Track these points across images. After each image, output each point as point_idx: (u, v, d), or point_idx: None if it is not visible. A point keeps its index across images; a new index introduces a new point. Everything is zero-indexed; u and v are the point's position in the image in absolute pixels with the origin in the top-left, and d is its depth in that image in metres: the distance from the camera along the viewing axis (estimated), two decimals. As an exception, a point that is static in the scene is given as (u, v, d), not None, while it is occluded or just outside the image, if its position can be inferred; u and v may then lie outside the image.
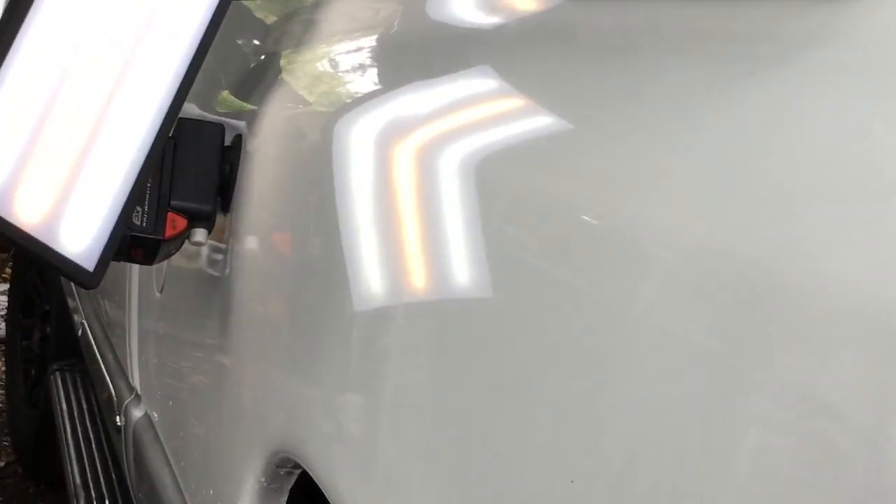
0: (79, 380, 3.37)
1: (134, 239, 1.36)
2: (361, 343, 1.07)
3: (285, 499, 1.26)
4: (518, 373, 0.80)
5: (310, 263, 1.24)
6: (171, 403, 1.87)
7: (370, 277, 1.06)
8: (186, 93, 1.35)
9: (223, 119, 1.45)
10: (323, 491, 1.04)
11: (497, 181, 0.87)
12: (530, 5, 1.04)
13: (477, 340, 0.85)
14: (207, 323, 1.54)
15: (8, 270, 5.33)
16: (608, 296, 0.70)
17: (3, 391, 4.69)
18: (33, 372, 4.16)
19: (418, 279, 0.96)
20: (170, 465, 1.86)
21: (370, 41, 1.34)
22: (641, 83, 0.79)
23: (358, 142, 1.14)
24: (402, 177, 1.02)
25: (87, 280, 1.32)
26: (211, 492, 1.47)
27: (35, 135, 1.29)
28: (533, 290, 0.79)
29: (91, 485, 2.72)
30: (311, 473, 1.07)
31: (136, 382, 2.23)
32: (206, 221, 1.41)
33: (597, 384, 0.71)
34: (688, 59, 0.77)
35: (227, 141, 1.44)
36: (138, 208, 1.37)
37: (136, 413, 2.21)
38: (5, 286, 5.50)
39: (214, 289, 1.49)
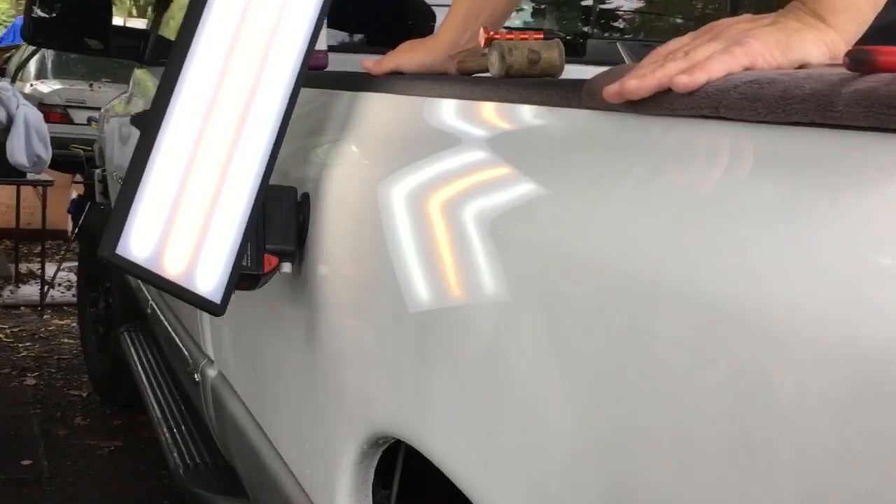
0: (144, 338, 3.34)
1: (242, 275, 1.37)
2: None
3: (376, 460, 1.28)
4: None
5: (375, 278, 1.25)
6: (250, 370, 1.87)
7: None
8: (273, 165, 1.36)
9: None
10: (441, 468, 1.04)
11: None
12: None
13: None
14: (286, 321, 1.55)
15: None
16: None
17: (78, 342, 4.65)
18: (100, 330, 4.12)
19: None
20: (251, 415, 1.85)
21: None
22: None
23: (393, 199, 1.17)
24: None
25: (217, 310, 1.35)
26: (308, 447, 1.48)
27: (175, 204, 1.30)
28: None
29: (169, 417, 2.71)
30: (424, 453, 1.07)
31: (209, 350, 2.22)
32: (291, 257, 1.43)
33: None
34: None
35: (299, 198, 1.45)
36: (246, 253, 1.37)
37: (211, 372, 2.21)
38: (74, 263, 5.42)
39: (291, 298, 1.50)
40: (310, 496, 1.51)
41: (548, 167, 0.93)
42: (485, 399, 0.97)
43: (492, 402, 0.96)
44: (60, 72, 10.80)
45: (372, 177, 1.32)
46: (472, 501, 0.98)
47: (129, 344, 3.38)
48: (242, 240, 1.36)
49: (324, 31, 1.93)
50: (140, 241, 1.27)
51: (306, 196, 1.47)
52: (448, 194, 1.11)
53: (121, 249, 1.25)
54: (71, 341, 4.92)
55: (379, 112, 1.40)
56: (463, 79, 1.19)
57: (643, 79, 0.83)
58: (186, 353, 2.47)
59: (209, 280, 1.34)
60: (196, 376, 2.32)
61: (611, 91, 0.85)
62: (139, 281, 2.94)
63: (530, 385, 0.88)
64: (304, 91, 1.41)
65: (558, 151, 0.93)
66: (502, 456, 0.94)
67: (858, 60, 0.66)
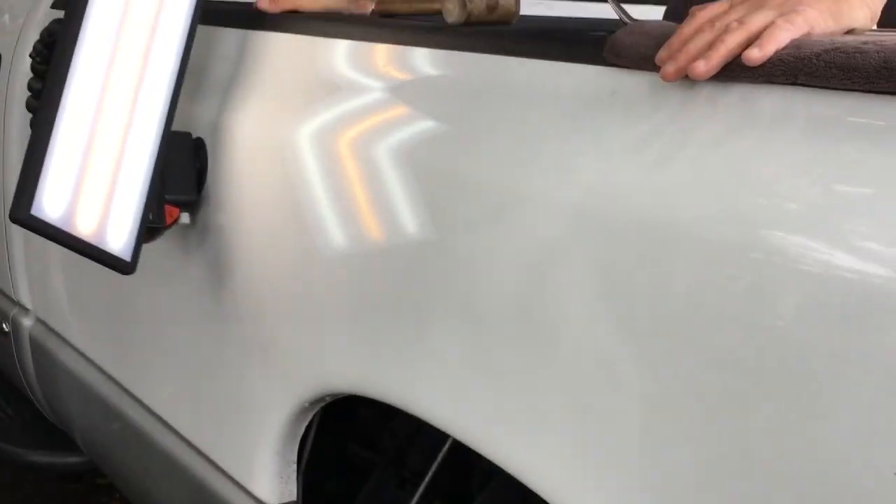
0: None
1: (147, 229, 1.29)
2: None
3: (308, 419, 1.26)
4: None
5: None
6: (105, 324, 1.76)
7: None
8: (174, 113, 1.28)
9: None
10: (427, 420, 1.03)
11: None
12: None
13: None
14: (176, 276, 1.47)
15: None
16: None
17: None
18: None
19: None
20: (102, 371, 1.75)
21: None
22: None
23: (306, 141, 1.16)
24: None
25: (127, 269, 1.26)
26: (207, 407, 1.42)
27: (83, 162, 1.20)
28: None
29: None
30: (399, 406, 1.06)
31: (23, 298, 2.07)
32: (191, 207, 1.36)
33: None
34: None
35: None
36: (149, 206, 1.29)
37: (27, 322, 2.06)
38: None
39: (182, 251, 1.43)
40: (210, 457, 1.45)
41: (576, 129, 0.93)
42: (451, 340, 0.98)
43: (458, 341, 0.98)
44: None
45: (283, 119, 1.27)
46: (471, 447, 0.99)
47: None
48: (149, 192, 1.27)
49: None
50: (52, 201, 1.17)
51: (201, 141, 1.38)
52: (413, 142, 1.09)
53: (35, 210, 1.14)
54: None
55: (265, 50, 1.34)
56: (433, 26, 1.14)
57: (709, 59, 0.81)
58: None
59: (119, 238, 1.25)
60: (4, 326, 2.16)
61: (669, 72, 0.83)
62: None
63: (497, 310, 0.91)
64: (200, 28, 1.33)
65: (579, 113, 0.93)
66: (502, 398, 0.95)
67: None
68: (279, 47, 1.36)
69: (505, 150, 0.96)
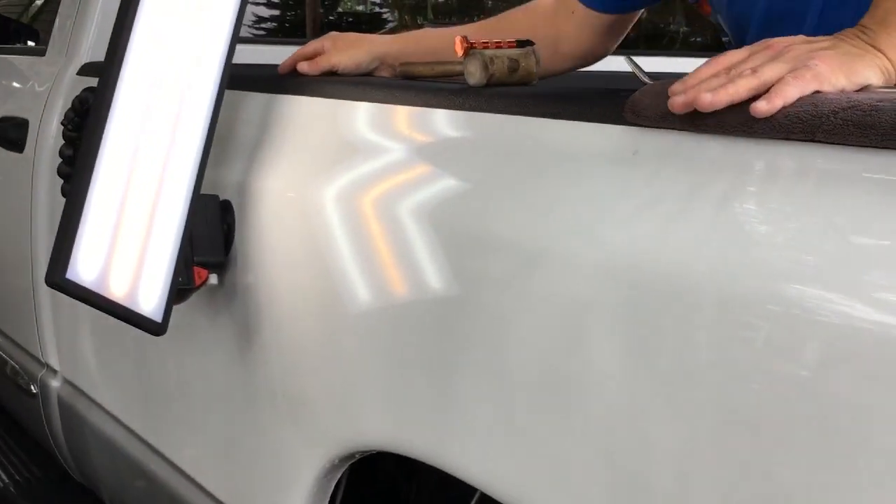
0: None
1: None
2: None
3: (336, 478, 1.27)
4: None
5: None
6: (131, 383, 1.78)
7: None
8: (202, 176, 1.31)
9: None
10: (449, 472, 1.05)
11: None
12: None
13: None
14: (204, 335, 1.50)
15: None
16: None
17: None
18: None
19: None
20: (130, 431, 1.78)
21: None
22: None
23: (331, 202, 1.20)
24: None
25: (159, 329, 1.29)
26: (238, 465, 1.44)
27: (116, 226, 1.23)
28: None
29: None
30: (436, 464, 1.08)
31: (51, 359, 2.10)
32: (220, 268, 1.39)
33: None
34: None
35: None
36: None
37: (55, 383, 2.09)
38: None
39: (211, 310, 1.45)
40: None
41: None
42: (479, 396, 1.00)
43: (486, 397, 0.99)
44: None
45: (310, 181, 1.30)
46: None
47: None
48: (179, 254, 1.30)
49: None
50: (86, 265, 1.20)
51: (228, 203, 1.41)
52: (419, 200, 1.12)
53: (70, 274, 1.17)
54: None
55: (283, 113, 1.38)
56: (458, 87, 1.18)
57: (716, 93, 0.85)
58: (13, 363, 2.31)
59: (150, 299, 1.27)
60: (33, 388, 2.18)
61: (678, 102, 0.87)
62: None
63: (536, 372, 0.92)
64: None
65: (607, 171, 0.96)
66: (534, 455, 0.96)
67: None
68: (302, 110, 1.39)
69: (528, 210, 0.99)
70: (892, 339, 0.69)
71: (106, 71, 1.25)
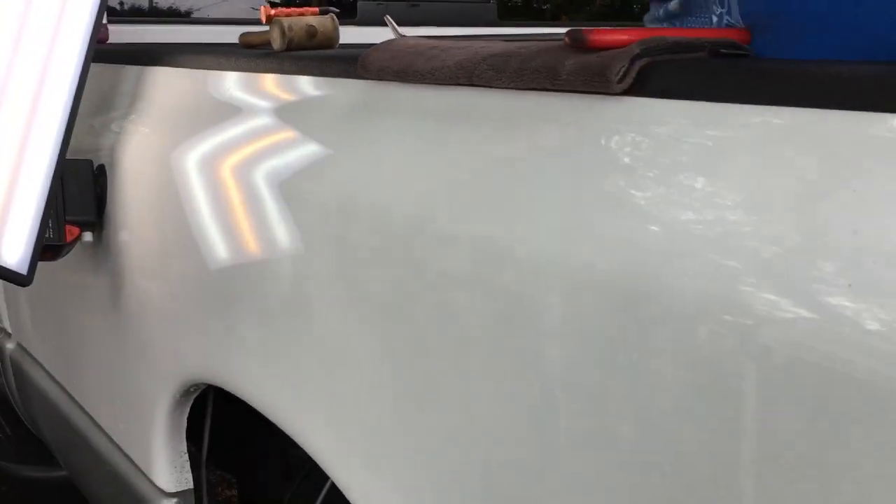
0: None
1: (46, 246, 1.44)
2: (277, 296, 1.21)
3: (188, 407, 1.39)
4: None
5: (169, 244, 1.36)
6: (54, 339, 1.93)
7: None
8: (69, 138, 1.44)
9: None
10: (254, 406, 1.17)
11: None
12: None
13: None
14: (89, 288, 1.63)
15: None
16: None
17: None
18: None
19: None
20: (57, 383, 1.92)
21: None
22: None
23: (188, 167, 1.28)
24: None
25: (24, 281, 1.41)
26: (119, 403, 1.58)
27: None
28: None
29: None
30: (236, 393, 1.19)
31: (6, 324, 2.26)
32: (91, 227, 1.51)
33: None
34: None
35: (95, 170, 1.53)
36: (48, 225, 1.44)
37: (10, 346, 2.25)
38: None
39: (93, 266, 1.58)
40: (125, 450, 1.61)
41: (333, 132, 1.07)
42: (286, 340, 1.11)
43: (292, 342, 1.10)
44: None
45: (163, 146, 1.43)
46: (284, 431, 1.12)
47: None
48: (44, 212, 1.43)
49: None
50: (-55, 220, 1.34)
51: (102, 168, 1.55)
52: (236, 160, 1.23)
53: (-74, 230, 1.32)
54: None
55: (166, 85, 1.50)
56: (247, 52, 1.30)
57: None
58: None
59: (14, 253, 1.41)
60: (-8, 350, 2.35)
61: None
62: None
63: (324, 322, 1.03)
64: (92, 66, 1.49)
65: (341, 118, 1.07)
66: (306, 388, 1.08)
67: (576, 39, 0.82)
68: (160, 81, 1.52)
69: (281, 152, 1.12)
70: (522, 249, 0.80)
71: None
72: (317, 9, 1.27)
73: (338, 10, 1.29)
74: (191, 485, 1.50)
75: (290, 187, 1.08)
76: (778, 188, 0.65)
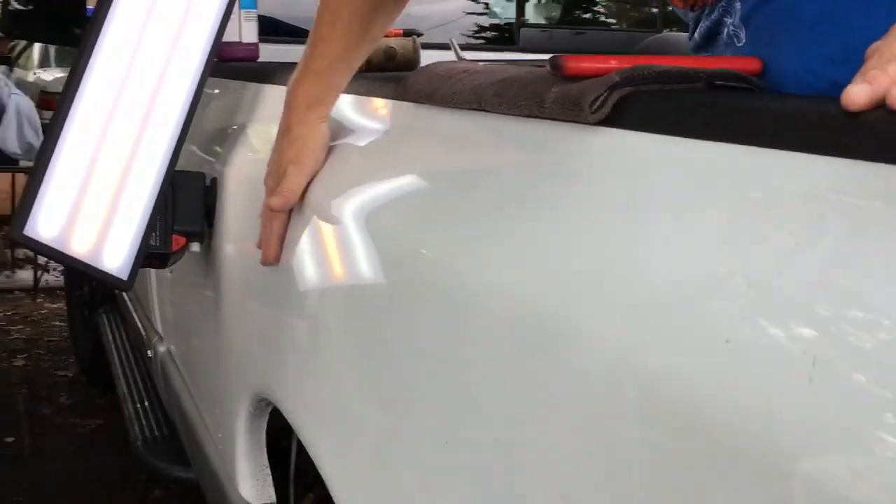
0: (117, 319, 3.49)
1: (151, 253, 1.49)
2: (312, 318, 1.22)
3: (265, 422, 1.41)
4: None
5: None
6: (184, 344, 2.00)
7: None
8: (179, 151, 1.49)
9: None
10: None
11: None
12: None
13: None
14: (203, 295, 1.68)
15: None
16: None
17: (64, 324, 4.80)
18: (85, 312, 4.25)
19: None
20: (188, 387, 1.99)
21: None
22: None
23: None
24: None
25: (123, 286, 1.47)
26: (217, 411, 1.61)
27: (82, 190, 1.42)
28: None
29: (133, 392, 2.85)
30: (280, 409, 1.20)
31: (159, 327, 2.36)
32: (199, 237, 1.56)
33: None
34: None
35: (207, 182, 1.57)
36: (154, 233, 1.49)
37: (161, 348, 2.34)
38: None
39: (202, 274, 1.63)
40: (222, 458, 1.64)
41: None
42: (327, 372, 1.11)
43: (330, 375, 1.10)
44: (63, 60, 10.95)
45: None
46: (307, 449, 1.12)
47: (105, 325, 3.52)
48: (149, 220, 1.49)
49: (254, 24, 2.06)
50: (47, 222, 1.41)
51: (214, 181, 1.60)
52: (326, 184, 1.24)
53: (28, 230, 1.39)
54: (61, 324, 5.07)
55: (274, 102, 1.53)
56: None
57: None
58: (143, 331, 2.60)
59: (115, 258, 1.47)
60: (149, 352, 2.46)
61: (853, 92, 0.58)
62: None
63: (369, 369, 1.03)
64: (220, 82, 1.55)
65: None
66: (334, 412, 1.08)
67: (554, 66, 0.78)
68: (269, 97, 1.56)
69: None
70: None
71: (83, 41, 1.45)
72: (400, 31, 1.27)
73: (421, 34, 1.29)
74: (273, 499, 1.52)
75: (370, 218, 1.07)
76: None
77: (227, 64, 1.86)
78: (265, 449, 1.48)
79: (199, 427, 1.84)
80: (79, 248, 1.44)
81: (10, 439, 3.68)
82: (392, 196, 0.98)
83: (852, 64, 0.60)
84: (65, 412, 3.99)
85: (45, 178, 1.40)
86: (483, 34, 3.85)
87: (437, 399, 0.86)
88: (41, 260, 5.82)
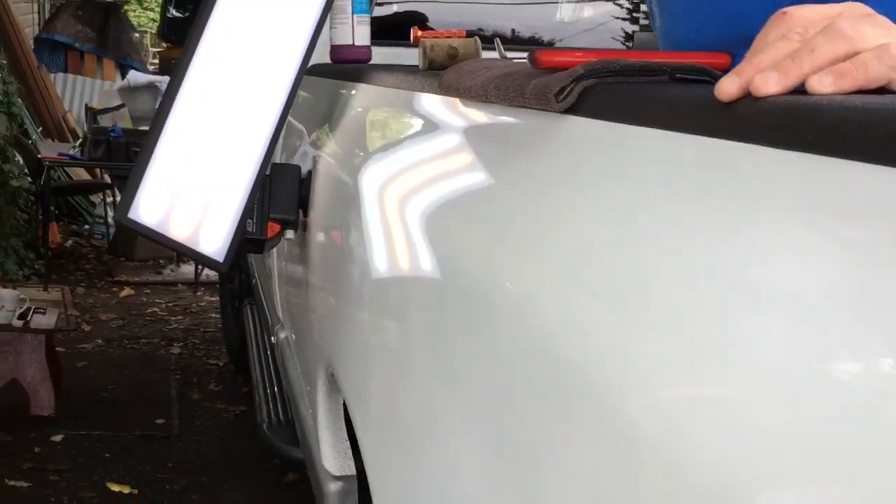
0: (255, 309, 3.67)
1: (249, 239, 1.62)
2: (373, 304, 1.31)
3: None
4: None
5: (347, 250, 1.48)
6: (294, 329, 2.13)
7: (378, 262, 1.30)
8: (275, 145, 1.61)
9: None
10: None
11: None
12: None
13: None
14: (301, 282, 1.80)
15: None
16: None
17: (219, 316, 5.05)
18: (236, 304, 4.47)
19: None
20: (298, 369, 2.12)
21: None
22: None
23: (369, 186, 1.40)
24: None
25: (220, 267, 1.59)
26: (308, 388, 1.74)
27: (184, 176, 1.55)
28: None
29: (264, 378, 3.00)
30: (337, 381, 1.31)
31: (280, 314, 2.50)
32: (293, 225, 1.68)
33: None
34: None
35: (303, 174, 1.69)
36: (250, 220, 1.62)
37: (282, 334, 2.48)
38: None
39: (299, 261, 1.75)
40: (312, 433, 1.76)
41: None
42: (377, 350, 1.21)
43: (382, 355, 1.20)
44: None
45: (350, 160, 1.57)
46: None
47: (248, 315, 3.71)
48: (246, 207, 1.61)
49: (367, 27, 2.18)
50: (150, 207, 1.55)
51: (309, 173, 1.72)
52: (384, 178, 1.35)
53: (132, 214, 1.53)
54: (217, 316, 5.34)
55: (361, 101, 1.65)
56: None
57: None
58: (270, 318, 2.76)
59: (213, 242, 1.60)
60: (273, 338, 2.61)
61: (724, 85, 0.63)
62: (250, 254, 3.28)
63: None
64: (319, 81, 1.67)
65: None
66: (374, 389, 1.18)
67: (530, 60, 0.86)
68: (358, 96, 1.67)
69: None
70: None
71: (189, 37, 1.59)
72: (464, 32, 1.36)
73: (484, 34, 1.38)
74: (353, 471, 1.63)
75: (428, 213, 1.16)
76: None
77: (340, 66, 1.99)
78: (343, 422, 1.59)
79: (302, 406, 1.97)
80: (179, 232, 1.58)
81: (160, 421, 3.92)
82: (433, 189, 1.07)
83: (736, 22, 0.67)
84: (212, 398, 4.22)
85: (150, 165, 1.54)
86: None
87: (468, 396, 0.92)
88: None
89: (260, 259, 3.08)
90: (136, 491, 3.33)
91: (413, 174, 1.12)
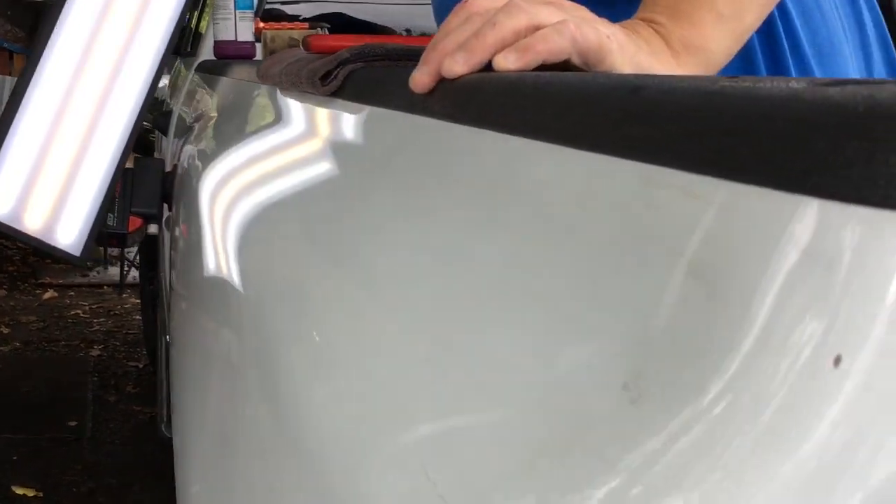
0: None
1: (110, 234, 1.61)
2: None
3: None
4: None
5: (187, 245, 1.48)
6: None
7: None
8: (135, 136, 1.60)
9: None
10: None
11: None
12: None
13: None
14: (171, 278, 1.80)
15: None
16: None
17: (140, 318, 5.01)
18: (155, 304, 4.45)
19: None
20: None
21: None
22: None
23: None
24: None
25: (77, 261, 1.58)
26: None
27: (36, 168, 1.54)
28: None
29: (167, 378, 2.98)
30: None
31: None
32: (156, 219, 1.67)
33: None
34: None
35: (167, 168, 1.69)
36: (111, 214, 1.61)
37: (166, 338, 2.48)
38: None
39: (169, 259, 1.75)
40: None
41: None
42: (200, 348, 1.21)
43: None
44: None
45: (195, 152, 1.57)
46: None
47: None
48: (104, 200, 1.61)
49: (249, 23, 2.18)
50: (0, 200, 1.54)
51: (174, 168, 1.72)
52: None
53: (-19, 208, 1.53)
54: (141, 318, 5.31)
55: (217, 94, 1.65)
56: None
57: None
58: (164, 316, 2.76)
59: (69, 235, 1.60)
60: (167, 336, 2.60)
61: (415, 77, 0.64)
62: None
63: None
64: (202, 77, 1.66)
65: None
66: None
67: (304, 45, 0.87)
68: (217, 91, 1.67)
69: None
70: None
71: (40, 30, 1.58)
72: (306, 24, 1.37)
73: (329, 26, 1.38)
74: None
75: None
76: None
77: (210, 61, 1.99)
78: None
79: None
80: (31, 225, 1.57)
81: (73, 423, 3.89)
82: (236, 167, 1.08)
83: None
84: (129, 400, 4.19)
85: None
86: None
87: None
88: (129, 256, 6.07)
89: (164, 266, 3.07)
90: (41, 494, 3.30)
91: (232, 163, 1.13)
